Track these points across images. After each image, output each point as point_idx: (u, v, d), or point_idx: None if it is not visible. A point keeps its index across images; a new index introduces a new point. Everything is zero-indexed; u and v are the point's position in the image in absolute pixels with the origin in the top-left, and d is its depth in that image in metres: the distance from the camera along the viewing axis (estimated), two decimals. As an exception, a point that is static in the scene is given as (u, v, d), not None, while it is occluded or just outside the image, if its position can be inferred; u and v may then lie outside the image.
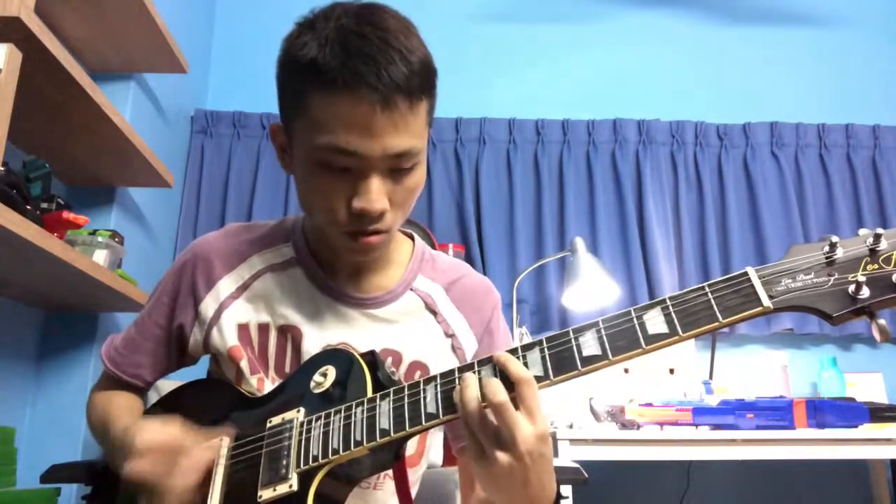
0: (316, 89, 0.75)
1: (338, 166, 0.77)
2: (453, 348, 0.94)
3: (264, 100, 2.58)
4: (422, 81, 0.77)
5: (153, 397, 1.06)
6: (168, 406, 0.94)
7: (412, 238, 1.00)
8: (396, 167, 0.78)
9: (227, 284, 0.91)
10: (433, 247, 1.40)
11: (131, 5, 1.77)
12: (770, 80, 2.84)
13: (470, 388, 0.66)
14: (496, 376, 0.67)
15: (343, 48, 0.74)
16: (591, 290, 2.29)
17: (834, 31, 2.92)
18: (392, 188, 0.79)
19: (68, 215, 1.53)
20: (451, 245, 2.31)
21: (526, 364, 0.68)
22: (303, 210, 0.88)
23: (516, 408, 0.65)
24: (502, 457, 0.64)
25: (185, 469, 0.75)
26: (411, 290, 0.94)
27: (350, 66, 0.73)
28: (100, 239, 1.64)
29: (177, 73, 2.11)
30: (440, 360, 0.92)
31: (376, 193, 0.77)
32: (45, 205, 1.49)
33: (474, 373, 0.69)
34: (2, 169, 1.24)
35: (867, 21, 2.93)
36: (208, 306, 0.90)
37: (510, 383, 0.66)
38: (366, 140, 0.74)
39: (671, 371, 2.22)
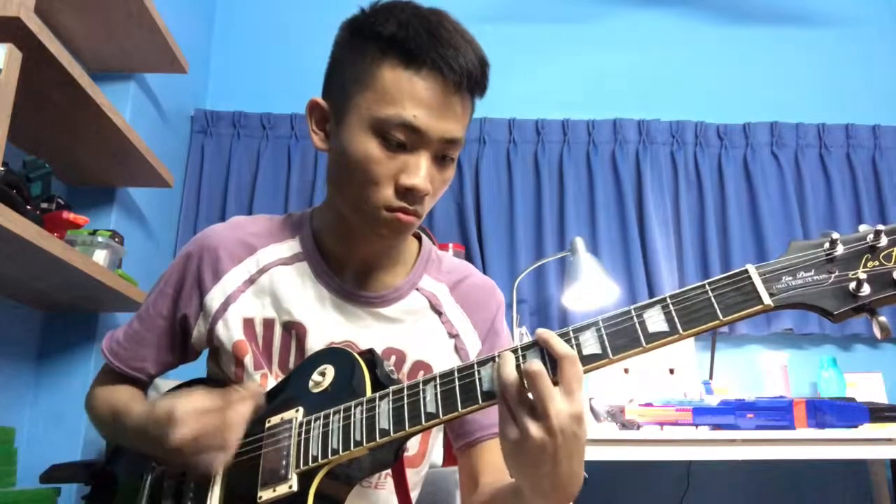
0: (393, 63, 0.78)
1: (395, 141, 0.78)
2: (456, 349, 0.94)
3: (264, 100, 2.58)
4: (483, 79, 0.82)
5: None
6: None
7: (419, 239, 1.00)
8: (444, 154, 0.81)
9: (233, 277, 0.91)
10: (433, 247, 1.39)
11: (131, 5, 1.77)
12: (770, 80, 2.83)
13: (509, 363, 0.66)
14: (542, 357, 0.66)
15: (426, 31, 0.79)
16: (591, 290, 2.29)
17: (834, 30, 2.91)
18: (434, 175, 0.81)
19: (68, 215, 1.53)
20: (451, 245, 2.31)
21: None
22: (334, 186, 0.87)
23: (555, 384, 0.64)
24: (534, 429, 0.63)
25: (234, 423, 0.75)
26: (417, 289, 0.94)
27: (434, 47, 0.78)
28: (100, 239, 1.64)
29: (177, 73, 2.11)
30: (443, 360, 0.92)
31: (426, 173, 0.79)
32: (45, 205, 1.49)
33: (515, 353, 0.68)
34: (2, 169, 1.24)
35: (867, 21, 2.93)
36: (214, 299, 0.90)
37: (552, 361, 0.65)
38: (432, 119, 0.78)
39: (671, 371, 2.22)
